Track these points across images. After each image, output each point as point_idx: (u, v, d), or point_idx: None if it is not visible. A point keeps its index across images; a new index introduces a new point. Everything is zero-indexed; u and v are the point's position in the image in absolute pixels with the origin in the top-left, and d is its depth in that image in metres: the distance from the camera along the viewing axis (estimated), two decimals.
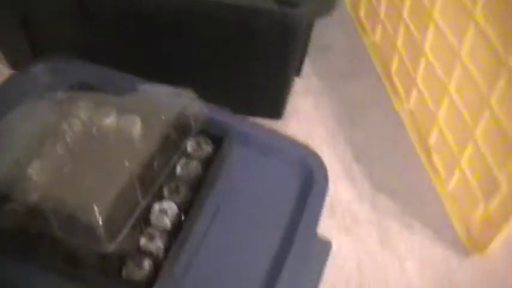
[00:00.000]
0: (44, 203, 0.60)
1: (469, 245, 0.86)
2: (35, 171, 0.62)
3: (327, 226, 0.87)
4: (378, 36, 1.06)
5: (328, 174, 0.70)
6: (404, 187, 0.93)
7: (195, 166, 0.68)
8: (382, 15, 1.01)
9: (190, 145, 0.70)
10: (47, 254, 0.61)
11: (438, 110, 0.86)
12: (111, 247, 0.57)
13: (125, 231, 0.58)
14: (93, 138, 0.67)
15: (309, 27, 0.86)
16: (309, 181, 0.70)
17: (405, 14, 0.92)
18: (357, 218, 0.90)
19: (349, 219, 0.90)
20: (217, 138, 0.70)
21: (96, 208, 0.55)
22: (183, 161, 0.69)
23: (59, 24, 0.85)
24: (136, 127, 0.66)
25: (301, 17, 0.75)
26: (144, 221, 0.64)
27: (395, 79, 1.01)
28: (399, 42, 0.96)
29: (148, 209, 0.64)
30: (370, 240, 0.88)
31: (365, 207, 0.91)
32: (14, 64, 0.97)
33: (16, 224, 0.62)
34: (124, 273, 0.60)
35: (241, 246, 0.67)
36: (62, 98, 0.71)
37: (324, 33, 1.11)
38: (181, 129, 0.68)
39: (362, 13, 1.12)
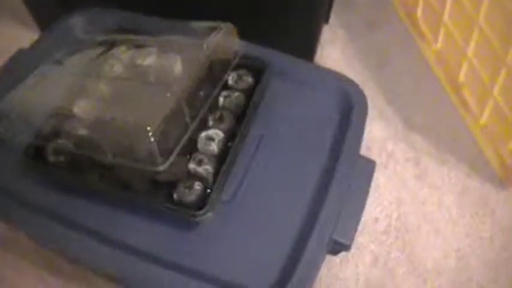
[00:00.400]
0: (95, 132, 0.63)
1: (504, 177, 0.87)
2: (81, 108, 0.64)
3: None
4: None
5: (366, 98, 0.71)
6: (436, 125, 0.95)
7: (237, 96, 0.70)
8: None
9: (231, 78, 0.72)
10: (99, 182, 0.64)
11: (467, 45, 0.87)
12: (164, 166, 0.58)
13: (176, 151, 0.60)
14: (135, 76, 0.69)
15: None
16: (349, 106, 0.71)
17: None
18: (393, 155, 0.92)
19: (385, 157, 0.92)
20: (258, 71, 0.72)
21: (148, 127, 0.57)
22: (225, 92, 0.70)
23: None
24: (177, 64, 0.68)
25: None
26: (192, 149, 0.66)
27: (422, 23, 1.02)
28: None
29: (195, 138, 0.66)
30: (408, 176, 0.89)
31: (400, 146, 0.93)
32: (44, 27, 0.99)
33: (66, 158, 0.65)
34: (175, 196, 0.62)
35: (287, 170, 0.68)
36: (102, 41, 0.73)
37: None
38: (221, 61, 0.69)
39: None
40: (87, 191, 0.65)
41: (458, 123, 0.94)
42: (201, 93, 0.67)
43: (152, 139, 0.57)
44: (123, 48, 0.72)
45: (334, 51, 1.04)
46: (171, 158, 0.59)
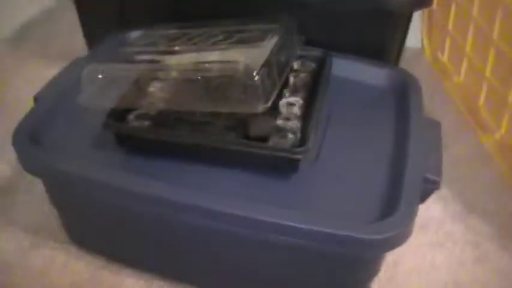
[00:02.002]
0: (187, 85, 0.65)
1: None
2: (157, 88, 0.66)
3: (419, 241, 0.83)
4: (462, 76, 1.07)
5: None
6: (498, 211, 0.88)
7: (305, 76, 0.74)
8: (467, 49, 1.02)
9: (295, 64, 0.76)
10: (190, 136, 0.65)
11: None
12: (265, 107, 0.61)
13: (275, 93, 0.63)
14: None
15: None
16: (404, 87, 0.78)
17: (495, 37, 0.92)
18: (451, 236, 0.85)
19: (442, 237, 0.85)
20: (319, 59, 0.78)
21: (254, 67, 0.60)
22: (293, 74, 0.75)
23: None
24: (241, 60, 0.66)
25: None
26: (275, 112, 0.68)
27: (483, 112, 1.00)
28: (488, 71, 0.96)
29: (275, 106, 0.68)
30: (467, 257, 0.82)
31: (459, 227, 0.86)
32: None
33: (150, 123, 0.67)
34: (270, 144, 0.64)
35: (362, 133, 0.72)
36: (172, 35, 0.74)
37: None
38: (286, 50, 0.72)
39: (445, 56, 1.14)
40: (172, 153, 0.65)
41: None
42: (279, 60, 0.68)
43: (256, 78, 0.59)
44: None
45: None
46: (270, 101, 0.61)
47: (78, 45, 1.06)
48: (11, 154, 0.66)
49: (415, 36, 1.22)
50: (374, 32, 0.85)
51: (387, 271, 0.78)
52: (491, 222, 0.87)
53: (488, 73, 0.96)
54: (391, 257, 0.78)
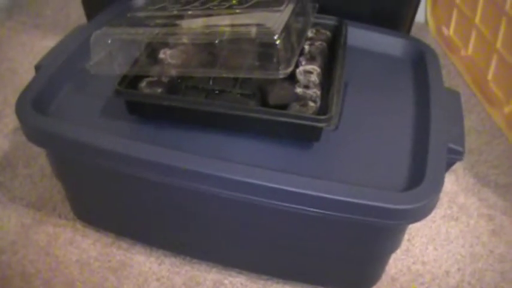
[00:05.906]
0: (205, 47, 0.61)
1: None
2: (168, 55, 0.62)
3: (432, 215, 0.81)
4: (470, 50, 1.05)
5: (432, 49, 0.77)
6: (510, 183, 0.87)
7: (320, 44, 0.72)
8: (476, 20, 1.00)
9: (310, 31, 0.73)
10: (208, 102, 0.61)
11: None
12: (285, 73, 0.58)
13: (295, 59, 0.60)
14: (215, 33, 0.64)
15: None
16: (421, 57, 0.75)
17: (507, 8, 0.90)
18: (465, 209, 0.83)
19: (456, 209, 0.83)
20: (334, 27, 0.76)
21: (275, 32, 0.57)
22: (308, 42, 0.72)
23: None
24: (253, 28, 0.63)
25: None
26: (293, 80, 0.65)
27: (492, 85, 0.98)
28: (499, 43, 0.94)
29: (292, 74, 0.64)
30: (482, 230, 0.80)
31: (472, 200, 0.85)
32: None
33: (163, 90, 0.64)
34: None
35: (382, 101, 0.70)
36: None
37: None
38: (302, 17, 0.70)
39: (451, 31, 1.11)
40: (186, 122, 0.62)
41: None
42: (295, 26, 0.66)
43: (278, 42, 0.57)
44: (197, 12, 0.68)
45: None
46: (292, 65, 0.59)
47: (72, 14, 1.02)
48: (8, 127, 0.63)
49: (418, 11, 1.19)
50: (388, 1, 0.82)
51: (403, 244, 0.76)
52: (504, 195, 0.85)
53: (499, 45, 0.94)
54: (406, 230, 0.76)
